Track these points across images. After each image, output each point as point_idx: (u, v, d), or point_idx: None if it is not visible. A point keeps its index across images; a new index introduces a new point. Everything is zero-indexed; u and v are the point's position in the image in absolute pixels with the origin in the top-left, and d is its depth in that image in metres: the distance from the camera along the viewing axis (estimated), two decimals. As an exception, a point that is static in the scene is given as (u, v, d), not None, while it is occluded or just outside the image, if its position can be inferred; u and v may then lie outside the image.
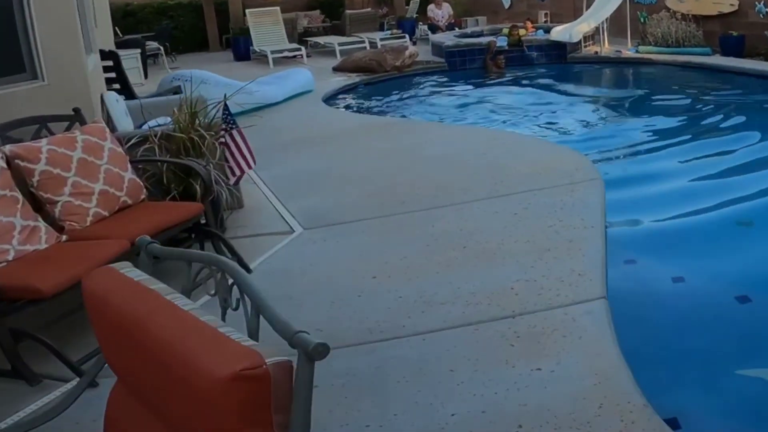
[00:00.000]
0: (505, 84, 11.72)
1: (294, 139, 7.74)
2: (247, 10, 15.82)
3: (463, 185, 5.70)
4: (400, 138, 7.39)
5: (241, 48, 16.04)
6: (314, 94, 10.57)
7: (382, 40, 15.76)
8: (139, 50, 13.02)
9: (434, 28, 16.85)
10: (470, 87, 11.51)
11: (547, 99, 10.28)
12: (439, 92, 11.29)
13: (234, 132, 4.88)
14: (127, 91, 6.95)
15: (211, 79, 9.16)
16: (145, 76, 13.99)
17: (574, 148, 6.81)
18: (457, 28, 17.07)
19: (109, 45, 13.79)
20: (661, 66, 11.66)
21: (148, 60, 16.15)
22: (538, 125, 8.62)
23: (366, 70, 12.28)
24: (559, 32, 12.81)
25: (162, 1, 19.43)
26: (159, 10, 19.42)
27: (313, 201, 5.75)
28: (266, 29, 15.80)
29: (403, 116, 9.63)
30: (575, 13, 14.19)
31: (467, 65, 13.00)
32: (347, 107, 10.40)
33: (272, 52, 14.55)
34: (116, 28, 15.40)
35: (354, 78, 11.99)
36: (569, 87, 11.16)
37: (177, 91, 7.43)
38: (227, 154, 4.90)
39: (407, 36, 16.15)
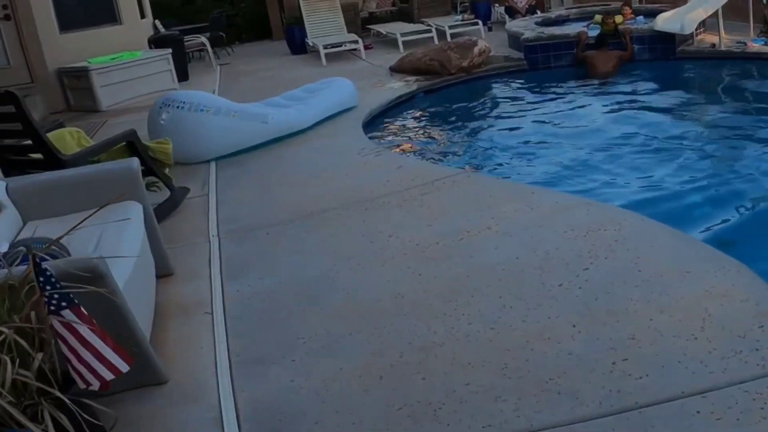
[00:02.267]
0: (601, 92, 8.57)
1: (295, 211, 4.92)
2: (300, -2, 13.02)
3: (553, 367, 2.84)
4: (449, 216, 4.47)
5: (296, 40, 13.29)
6: (356, 111, 7.76)
7: (451, 27, 12.74)
8: (169, 50, 10.44)
9: (512, 12, 13.65)
10: (556, 97, 8.39)
11: (658, 122, 7.09)
12: (515, 108, 8.19)
13: (66, 313, 2.19)
14: (44, 152, 4.27)
15: (210, 104, 6.48)
16: (185, 78, 11.52)
17: (726, 244, 3.85)
18: (538, 11, 13.84)
19: (142, 44, 11.35)
20: (807, 65, 8.31)
21: (196, 55, 13.71)
22: (653, 178, 5.57)
23: (427, 72, 9.36)
24: (668, 20, 9.50)
25: (222, -14, 16.89)
26: (219, -4, 16.94)
27: (284, 377, 3.03)
28: (322, 17, 13.00)
29: (463, 155, 6.64)
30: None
31: (552, 62, 9.87)
32: (393, 135, 7.48)
33: (325, 47, 11.76)
34: (157, 21, 12.92)
35: (411, 84, 9.08)
36: (687, 99, 7.93)
37: (130, 150, 4.71)
38: (65, 350, 2.24)
39: (480, 22, 13.05)
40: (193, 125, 6.47)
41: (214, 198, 5.38)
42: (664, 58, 9.58)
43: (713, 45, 9.47)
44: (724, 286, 3.25)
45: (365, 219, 4.67)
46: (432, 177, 5.20)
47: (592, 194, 5.23)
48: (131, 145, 4.59)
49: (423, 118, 8.10)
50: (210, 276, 4.03)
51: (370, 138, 6.99)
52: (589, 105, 8.01)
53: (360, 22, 14.23)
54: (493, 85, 9.33)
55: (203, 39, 12.57)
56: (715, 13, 9.38)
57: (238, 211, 5.10)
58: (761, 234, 4.39)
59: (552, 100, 8.42)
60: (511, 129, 7.27)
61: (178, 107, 6.24)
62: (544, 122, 7.47)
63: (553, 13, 12.63)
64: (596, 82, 9.03)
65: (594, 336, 3.00)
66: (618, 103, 8.02)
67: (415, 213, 4.59)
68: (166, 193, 5.13)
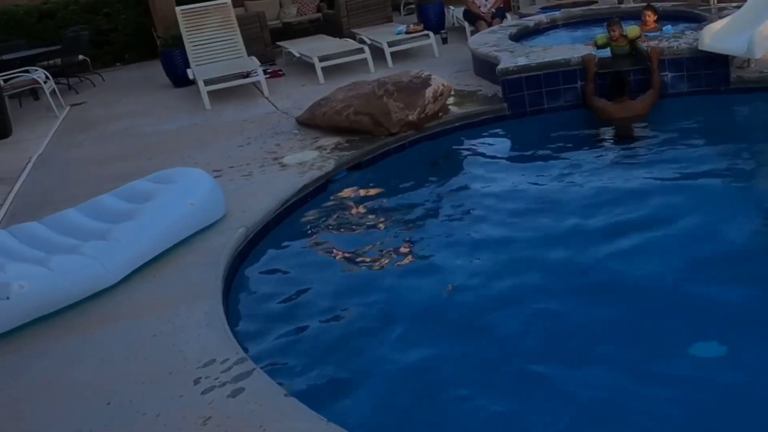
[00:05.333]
0: (627, 162, 5.38)
1: None
2: (177, 9, 9.55)
3: None
4: None
5: (177, 67, 9.81)
6: (222, 231, 4.40)
7: (392, 44, 9.48)
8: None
9: (473, 17, 10.41)
10: (564, 179, 5.07)
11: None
12: (496, 206, 4.71)
13: None
14: None
15: None
16: (4, 134, 8.11)
17: None
18: (508, 15, 10.67)
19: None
20: None
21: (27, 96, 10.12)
22: None
23: (352, 132, 6.07)
24: (720, 35, 6.36)
25: (92, -6, 13.22)
26: (88, 7, 13.28)
27: None
28: (209, 35, 9.58)
29: (410, 376, 3.11)
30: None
31: (545, 103, 6.66)
32: (281, 292, 3.87)
33: (207, 82, 8.35)
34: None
35: (326, 154, 5.73)
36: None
37: None
38: None
39: (431, 34, 9.80)
40: None
41: None
42: (713, 90, 6.48)
43: (783, 68, 6.41)
44: None
45: None
46: None
47: None
48: None
49: (340, 233, 4.65)
50: None
51: (235, 308, 3.67)
52: (607, 187, 4.78)
53: (269, 38, 10.84)
54: (457, 152, 6.00)
55: (36, 74, 9.00)
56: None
57: None
58: None
59: (549, 177, 5.14)
60: (495, 274, 3.79)
61: None
62: (544, 225, 4.19)
63: (531, 19, 9.42)
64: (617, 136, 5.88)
65: None
66: (648, 181, 4.85)
67: None
68: None
